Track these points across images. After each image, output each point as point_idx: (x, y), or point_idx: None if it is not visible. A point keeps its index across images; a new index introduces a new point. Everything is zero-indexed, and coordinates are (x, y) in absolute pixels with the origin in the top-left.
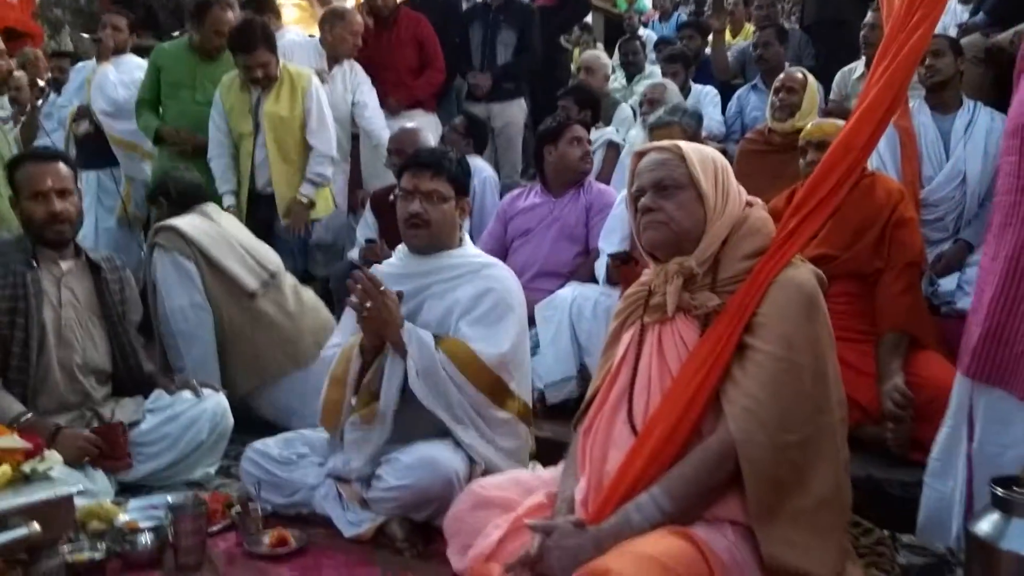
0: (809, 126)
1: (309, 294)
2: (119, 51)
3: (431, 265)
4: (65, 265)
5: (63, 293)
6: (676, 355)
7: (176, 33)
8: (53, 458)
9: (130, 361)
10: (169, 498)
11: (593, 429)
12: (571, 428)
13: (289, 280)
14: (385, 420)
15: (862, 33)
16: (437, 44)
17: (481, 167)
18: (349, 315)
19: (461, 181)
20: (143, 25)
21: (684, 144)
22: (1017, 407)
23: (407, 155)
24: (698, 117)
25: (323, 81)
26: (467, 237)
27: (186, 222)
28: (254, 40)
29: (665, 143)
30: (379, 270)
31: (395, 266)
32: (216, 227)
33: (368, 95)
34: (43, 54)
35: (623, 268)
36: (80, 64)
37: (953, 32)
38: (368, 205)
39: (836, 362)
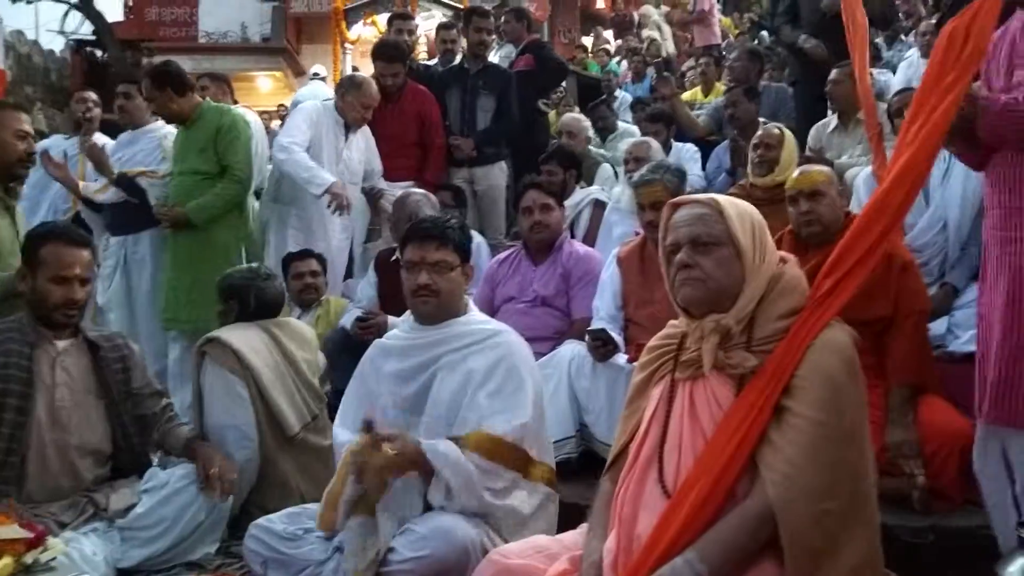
0: (797, 175)
1: None
2: (95, 129)
3: (439, 335)
4: (61, 344)
5: (57, 374)
6: (709, 414)
7: None
8: (56, 547)
9: (132, 440)
10: None
11: (623, 488)
12: (599, 482)
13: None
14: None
15: (827, 89)
16: (439, 121)
17: (471, 234)
18: (350, 397)
19: (464, 247)
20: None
21: (722, 198)
22: None
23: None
24: (681, 174)
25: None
26: (471, 303)
27: (245, 342)
28: None
29: (702, 196)
30: (384, 345)
31: (401, 338)
32: (276, 353)
33: (378, 166)
34: None
35: (602, 350)
36: (41, 143)
37: (917, 84)
38: (372, 264)
39: (868, 424)
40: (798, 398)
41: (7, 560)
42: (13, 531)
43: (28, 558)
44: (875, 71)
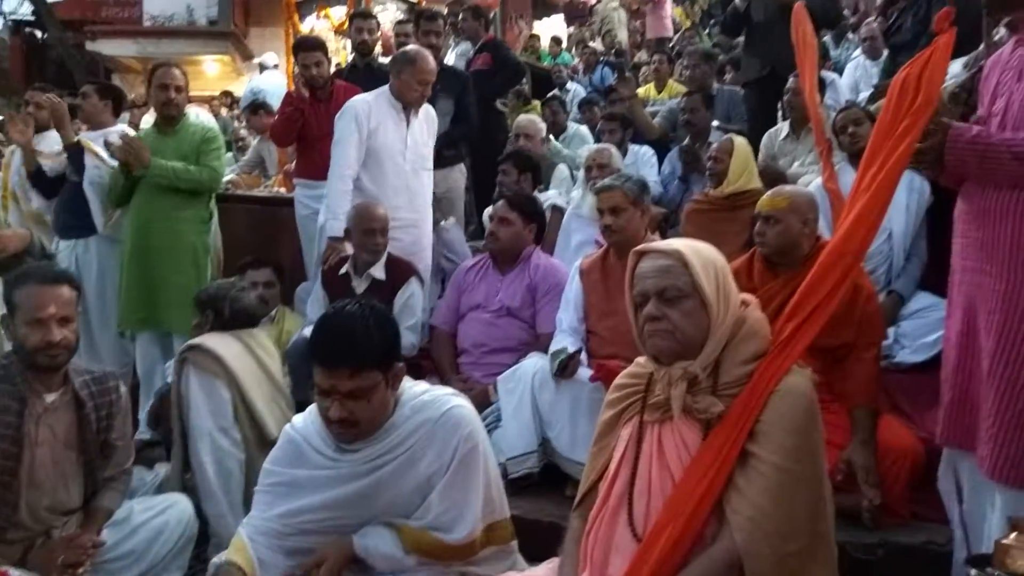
0: (766, 196)
1: None
2: (41, 128)
3: (374, 450)
4: (50, 398)
5: (41, 431)
6: (677, 458)
7: None
8: None
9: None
10: None
11: (593, 529)
12: (569, 518)
13: None
14: None
15: (785, 98)
16: None
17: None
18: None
19: (389, 355)
20: (57, 84)
21: (685, 248)
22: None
23: (374, 233)
24: (642, 184)
25: None
26: (402, 386)
27: (226, 349)
28: None
29: (665, 246)
30: (307, 459)
31: (331, 462)
32: (252, 361)
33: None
34: None
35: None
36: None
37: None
38: (319, 280)
39: (825, 463)
40: (763, 444)
41: None
42: None
43: None
44: (822, 74)
